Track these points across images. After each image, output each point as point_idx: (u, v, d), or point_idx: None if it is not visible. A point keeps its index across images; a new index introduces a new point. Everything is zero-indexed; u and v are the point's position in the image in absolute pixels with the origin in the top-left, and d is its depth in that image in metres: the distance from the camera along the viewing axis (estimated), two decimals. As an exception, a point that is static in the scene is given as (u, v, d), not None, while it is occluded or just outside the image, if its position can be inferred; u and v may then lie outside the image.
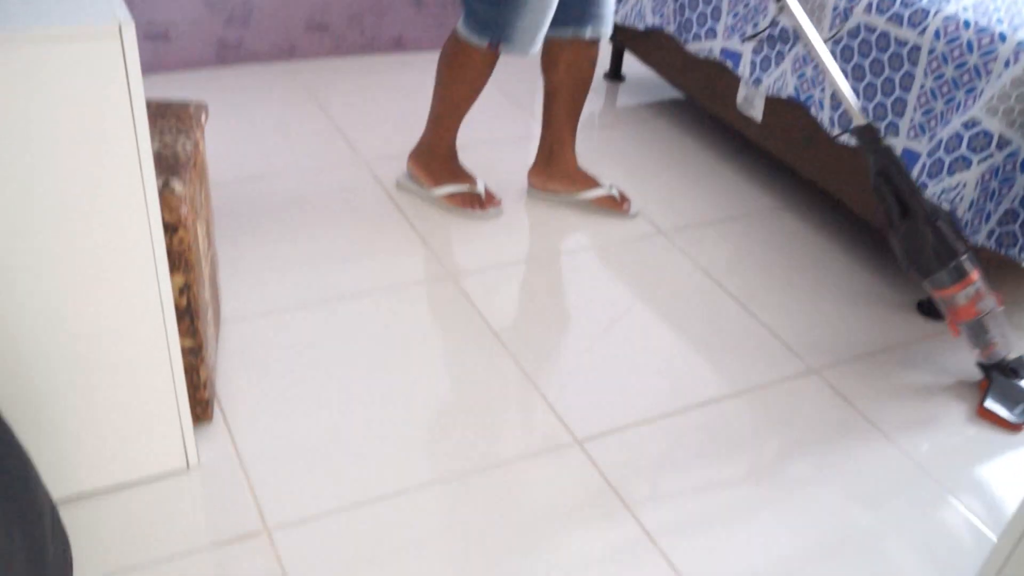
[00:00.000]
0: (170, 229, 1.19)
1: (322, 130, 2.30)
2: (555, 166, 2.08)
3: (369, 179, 2.11)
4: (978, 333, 1.60)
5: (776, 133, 2.08)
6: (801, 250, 2.00)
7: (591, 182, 2.09)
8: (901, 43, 1.72)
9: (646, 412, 1.54)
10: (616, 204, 2.08)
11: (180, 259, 1.22)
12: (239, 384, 1.52)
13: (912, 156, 1.73)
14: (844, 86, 1.56)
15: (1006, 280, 1.90)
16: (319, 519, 1.30)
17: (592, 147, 2.35)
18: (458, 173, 2.05)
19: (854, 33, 1.81)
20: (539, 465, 1.43)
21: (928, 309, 1.84)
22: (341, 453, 1.41)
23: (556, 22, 1.87)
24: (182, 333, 1.29)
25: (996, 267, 1.73)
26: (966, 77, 1.62)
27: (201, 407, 1.38)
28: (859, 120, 1.57)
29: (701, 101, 2.33)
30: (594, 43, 1.94)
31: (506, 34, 1.78)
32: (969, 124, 1.59)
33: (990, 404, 1.60)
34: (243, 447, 1.40)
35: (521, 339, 1.68)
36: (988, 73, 1.59)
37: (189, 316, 1.28)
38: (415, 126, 2.17)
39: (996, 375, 1.65)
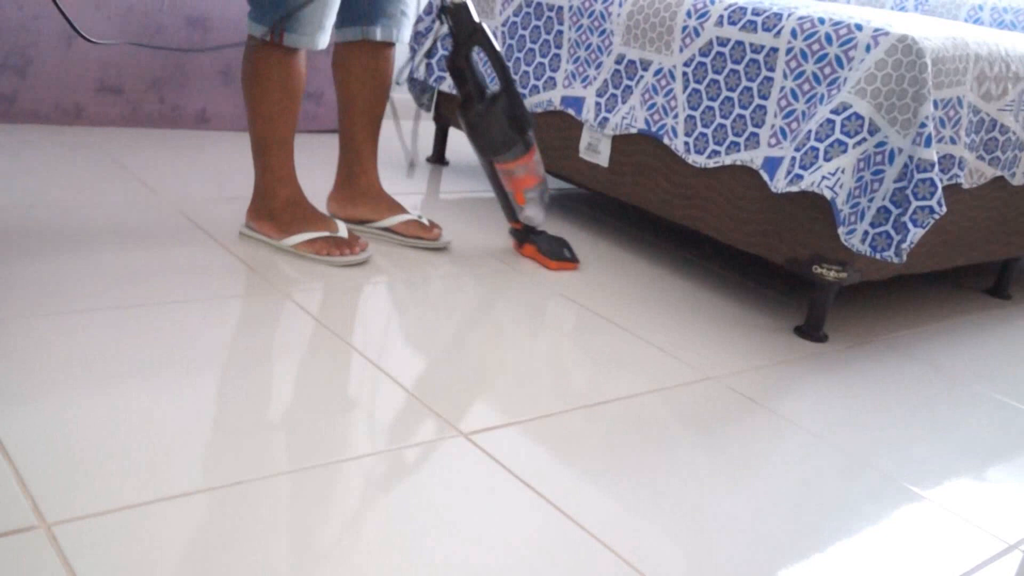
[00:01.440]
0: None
1: (118, 178, 1.97)
2: (356, 187, 1.84)
3: (174, 213, 1.79)
4: (538, 198, 1.81)
5: (624, 174, 1.99)
6: (668, 289, 1.86)
7: (396, 207, 1.86)
8: (757, 49, 1.70)
9: (536, 411, 1.28)
10: (426, 230, 1.85)
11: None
12: (5, 378, 1.12)
13: (773, 163, 1.67)
14: None
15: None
16: (110, 515, 0.91)
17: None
18: (312, 217, 1.70)
19: (706, 51, 1.78)
20: (404, 457, 1.12)
21: (805, 332, 1.73)
22: (136, 449, 1.04)
23: (343, 21, 1.73)
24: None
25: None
26: (828, 69, 1.60)
27: (-52, 381, 0.98)
28: None
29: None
30: (387, 46, 1.78)
31: (289, 20, 1.53)
32: (839, 109, 1.55)
33: (552, 256, 1.84)
34: (8, 439, 1.00)
35: (374, 343, 1.39)
36: (850, 60, 1.57)
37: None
38: (232, 185, 1.90)
39: (534, 236, 1.87)
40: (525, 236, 1.89)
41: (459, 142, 2.90)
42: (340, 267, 1.67)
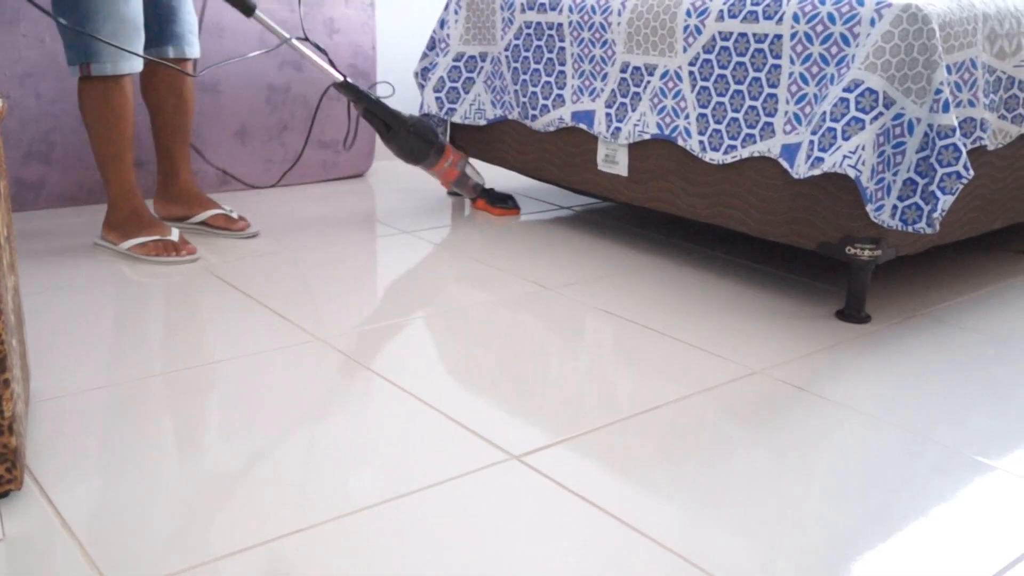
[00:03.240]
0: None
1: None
2: (173, 189, 2.09)
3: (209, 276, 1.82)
4: (463, 182, 2.34)
5: (645, 181, 1.98)
6: (703, 290, 1.85)
7: (208, 203, 2.11)
8: (760, 39, 1.69)
9: (586, 426, 1.27)
10: (232, 222, 2.08)
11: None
12: (55, 457, 1.14)
13: (791, 149, 1.66)
14: (314, 56, 2.04)
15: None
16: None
17: (449, 256, 2.17)
18: (146, 223, 1.94)
19: (709, 47, 1.78)
20: (463, 487, 1.11)
21: (847, 315, 1.70)
22: (187, 509, 1.05)
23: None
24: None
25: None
26: (834, 48, 1.59)
27: (6, 464, 1.00)
28: (338, 77, 2.08)
29: (559, 180, 2.23)
30: (180, 62, 1.98)
31: (91, 51, 1.76)
32: (852, 86, 1.54)
33: (497, 206, 2.38)
34: (70, 515, 1.01)
35: (416, 380, 1.39)
36: (856, 36, 1.56)
37: (-15, 309, 0.94)
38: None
39: (484, 192, 2.40)
40: (478, 195, 2.41)
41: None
42: (166, 266, 1.87)
